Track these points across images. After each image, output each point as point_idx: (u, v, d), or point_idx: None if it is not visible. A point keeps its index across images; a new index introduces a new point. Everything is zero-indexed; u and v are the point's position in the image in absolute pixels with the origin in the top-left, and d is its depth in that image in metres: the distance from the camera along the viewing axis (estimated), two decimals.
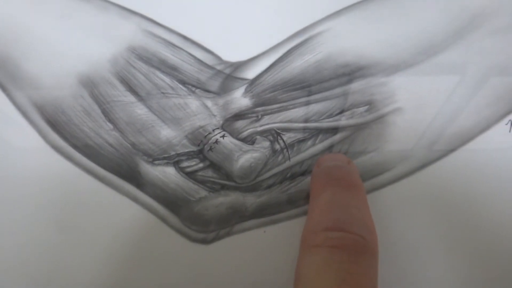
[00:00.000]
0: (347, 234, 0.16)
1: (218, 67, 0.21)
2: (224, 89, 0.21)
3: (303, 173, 0.21)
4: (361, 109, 0.21)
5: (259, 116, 0.21)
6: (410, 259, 0.21)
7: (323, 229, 0.17)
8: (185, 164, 0.21)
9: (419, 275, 0.22)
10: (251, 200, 0.21)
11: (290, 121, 0.21)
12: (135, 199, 0.21)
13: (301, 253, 0.17)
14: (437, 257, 0.21)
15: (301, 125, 0.21)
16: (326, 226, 0.17)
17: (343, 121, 0.21)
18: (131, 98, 0.21)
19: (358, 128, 0.21)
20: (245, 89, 0.21)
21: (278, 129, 0.21)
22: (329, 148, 0.21)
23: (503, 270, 0.21)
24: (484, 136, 0.21)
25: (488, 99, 0.20)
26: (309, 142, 0.21)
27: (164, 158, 0.21)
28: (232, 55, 0.21)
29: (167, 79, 0.21)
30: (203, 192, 0.21)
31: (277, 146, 0.21)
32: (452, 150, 0.21)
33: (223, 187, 0.21)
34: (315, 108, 0.21)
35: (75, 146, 0.21)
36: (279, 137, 0.21)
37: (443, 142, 0.21)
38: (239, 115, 0.21)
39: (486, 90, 0.20)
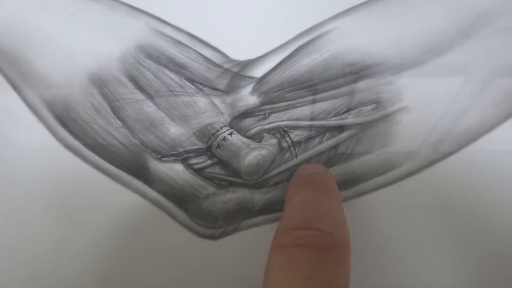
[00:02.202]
0: (315, 232, 0.16)
1: (226, 66, 0.21)
2: (232, 87, 0.21)
3: None
4: (368, 107, 0.21)
5: (267, 114, 0.21)
6: (414, 258, 0.22)
7: (292, 228, 0.17)
8: (193, 161, 0.22)
9: (423, 272, 0.22)
10: (258, 196, 0.22)
11: (297, 119, 0.21)
12: (144, 195, 0.22)
13: (270, 253, 0.17)
14: (441, 256, 0.22)
15: (308, 123, 0.21)
16: (295, 225, 0.17)
17: (349, 119, 0.21)
18: (139, 96, 0.21)
19: (365, 126, 0.21)
20: (253, 87, 0.21)
21: (286, 127, 0.21)
22: (336, 146, 0.21)
23: (507, 270, 0.22)
24: (489, 136, 0.21)
25: (494, 98, 0.21)
26: (316, 140, 0.21)
27: (173, 155, 0.21)
28: (240, 54, 0.21)
29: (175, 77, 0.21)
30: (211, 189, 0.22)
31: (284, 144, 0.21)
32: (457, 149, 0.21)
33: (231, 183, 0.22)
34: (322, 106, 0.21)
35: (84, 144, 0.21)
36: (286, 135, 0.21)
37: (449, 142, 0.21)
38: (247, 113, 0.21)
39: (492, 89, 0.21)
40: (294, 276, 0.15)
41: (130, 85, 0.21)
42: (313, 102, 0.21)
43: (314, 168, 0.20)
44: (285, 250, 0.16)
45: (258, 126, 0.21)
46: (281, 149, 0.21)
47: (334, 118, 0.21)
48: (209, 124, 0.21)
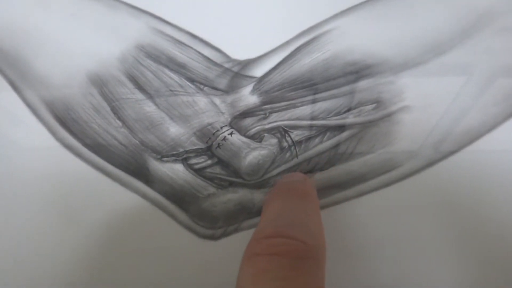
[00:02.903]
0: (287, 240, 0.16)
1: (226, 65, 0.21)
2: (232, 87, 0.21)
3: (311, 171, 0.22)
4: (369, 107, 0.21)
5: (267, 114, 0.21)
6: (415, 257, 0.22)
7: (265, 237, 0.16)
8: (193, 161, 0.22)
9: (423, 272, 0.22)
10: (259, 196, 0.22)
11: (297, 118, 0.21)
12: (144, 196, 0.22)
13: (242, 263, 0.16)
14: (442, 255, 0.22)
15: (309, 122, 0.21)
16: (268, 233, 0.16)
17: (350, 119, 0.21)
18: (139, 95, 0.21)
19: (366, 126, 0.21)
20: (253, 87, 0.21)
21: (286, 126, 0.21)
22: (336, 146, 0.21)
23: (508, 270, 0.22)
24: (490, 135, 0.21)
25: (495, 98, 0.21)
26: (317, 140, 0.21)
27: (173, 155, 0.21)
28: (240, 53, 0.21)
29: (175, 77, 0.21)
30: (211, 189, 0.22)
31: (285, 144, 0.21)
32: (459, 149, 0.21)
33: (231, 184, 0.22)
34: (322, 106, 0.21)
35: (84, 144, 0.21)
36: (286, 135, 0.21)
37: (449, 141, 0.21)
38: (247, 113, 0.21)
39: (493, 89, 0.20)
40: (265, 286, 0.15)
41: (130, 85, 0.21)
42: (314, 101, 0.21)
43: (294, 177, 0.21)
44: (256, 259, 0.16)
45: (258, 125, 0.21)
46: (282, 149, 0.21)
47: (335, 117, 0.21)
48: (209, 124, 0.21)
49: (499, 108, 0.21)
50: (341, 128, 0.21)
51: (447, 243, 0.22)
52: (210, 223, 0.22)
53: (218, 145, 0.21)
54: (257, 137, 0.21)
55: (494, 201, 0.21)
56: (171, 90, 0.21)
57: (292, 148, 0.21)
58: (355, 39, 0.20)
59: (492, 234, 0.21)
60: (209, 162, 0.21)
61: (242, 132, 0.21)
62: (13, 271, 0.22)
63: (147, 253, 0.22)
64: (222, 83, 0.21)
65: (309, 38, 0.21)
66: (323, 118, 0.21)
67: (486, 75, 0.20)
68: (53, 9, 0.20)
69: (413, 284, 0.22)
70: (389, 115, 0.21)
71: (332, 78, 0.21)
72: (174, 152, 0.21)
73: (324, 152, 0.21)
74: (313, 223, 0.17)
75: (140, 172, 0.21)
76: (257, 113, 0.21)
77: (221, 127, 0.21)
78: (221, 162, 0.21)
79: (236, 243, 0.22)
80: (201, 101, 0.21)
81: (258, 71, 0.21)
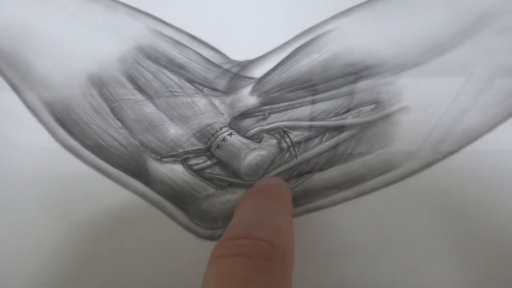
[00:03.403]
0: (253, 241, 0.16)
1: (226, 66, 0.21)
2: (232, 87, 0.21)
3: (310, 171, 0.22)
4: (368, 107, 0.21)
5: (266, 115, 0.21)
6: (414, 257, 0.22)
7: (231, 238, 0.16)
8: (192, 161, 0.22)
9: (423, 272, 0.22)
10: None
11: (297, 119, 0.21)
12: (143, 196, 0.22)
13: (207, 264, 0.16)
14: (442, 256, 0.22)
15: (308, 123, 0.21)
16: (234, 235, 0.16)
17: (349, 119, 0.21)
18: (139, 96, 0.21)
19: (365, 126, 0.21)
20: (252, 88, 0.21)
21: (285, 127, 0.21)
22: (335, 147, 0.21)
23: (507, 270, 0.22)
24: (489, 136, 0.21)
25: (495, 98, 0.21)
26: (316, 140, 0.21)
27: (172, 156, 0.21)
28: (239, 54, 0.21)
29: (175, 78, 0.21)
30: (210, 190, 0.22)
31: (284, 144, 0.21)
32: (458, 149, 0.21)
33: (231, 184, 0.22)
34: (321, 106, 0.21)
35: (84, 144, 0.21)
36: (286, 135, 0.21)
37: (449, 142, 0.21)
38: (246, 114, 0.21)
39: (493, 89, 0.20)
40: (228, 287, 0.15)
41: (129, 85, 0.21)
42: (313, 102, 0.21)
43: (270, 180, 0.21)
44: (221, 260, 0.16)
45: (257, 126, 0.21)
46: (281, 149, 0.21)
47: (334, 118, 0.21)
48: (209, 125, 0.21)
49: (499, 108, 0.21)
50: (340, 128, 0.21)
51: (446, 243, 0.22)
52: (210, 223, 0.22)
53: (218, 146, 0.21)
54: (256, 138, 0.21)
55: (493, 201, 0.21)
56: (170, 91, 0.21)
57: (291, 148, 0.21)
58: (354, 40, 0.20)
59: (491, 234, 0.21)
60: (209, 162, 0.22)
61: (242, 133, 0.21)
62: (12, 271, 0.22)
63: (146, 253, 0.22)
64: (222, 84, 0.21)
65: (308, 39, 0.21)
66: (322, 119, 0.21)
67: (485, 75, 0.20)
68: (53, 10, 0.20)
69: (413, 284, 0.22)
70: (387, 115, 0.21)
71: (331, 79, 0.21)
72: (174, 153, 0.21)
73: (323, 152, 0.21)
74: (282, 224, 0.17)
75: (139, 172, 0.22)
76: (256, 114, 0.21)
77: (221, 128, 0.21)
78: (220, 163, 0.21)
79: None
80: (201, 102, 0.21)
81: (258, 72, 0.21)
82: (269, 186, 0.20)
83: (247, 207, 0.18)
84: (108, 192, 0.21)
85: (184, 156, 0.21)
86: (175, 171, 0.21)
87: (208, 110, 0.21)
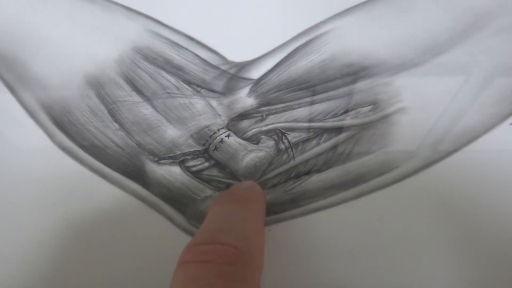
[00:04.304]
0: (217, 246, 0.16)
1: (223, 67, 0.21)
2: (229, 89, 0.21)
3: (308, 173, 0.21)
4: (366, 108, 0.21)
5: (264, 116, 0.21)
6: (412, 258, 0.22)
7: (197, 243, 0.16)
8: (190, 163, 0.21)
9: (422, 273, 0.22)
10: None
11: (294, 120, 0.21)
12: (141, 198, 0.22)
13: (174, 271, 0.16)
14: (441, 256, 0.22)
15: (306, 124, 0.21)
16: (200, 240, 0.16)
17: (347, 120, 0.21)
18: (137, 98, 0.21)
19: (363, 127, 0.21)
20: (250, 89, 0.21)
21: (283, 128, 0.21)
22: (334, 148, 0.21)
23: (506, 270, 0.21)
24: (488, 136, 0.21)
25: (493, 98, 0.20)
26: (314, 142, 0.21)
27: (170, 158, 0.21)
28: (237, 55, 0.21)
29: (172, 79, 0.21)
30: (208, 191, 0.21)
31: (282, 146, 0.21)
32: (456, 150, 0.21)
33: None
34: (319, 107, 0.21)
35: (81, 146, 0.21)
36: (283, 137, 0.21)
37: (447, 142, 0.21)
38: (244, 115, 0.21)
39: (491, 89, 0.20)
40: None
41: (127, 87, 0.21)
42: (311, 103, 0.21)
43: (241, 184, 0.20)
44: (187, 266, 0.16)
45: (255, 128, 0.21)
46: (279, 151, 0.21)
47: (332, 119, 0.21)
48: (206, 126, 0.21)
49: (497, 108, 0.21)
50: (338, 130, 0.21)
51: (445, 242, 0.21)
52: None
53: (215, 148, 0.21)
54: (254, 139, 0.21)
55: (493, 200, 0.21)
56: (168, 93, 0.21)
57: (289, 150, 0.21)
58: (352, 40, 0.20)
59: (490, 233, 0.21)
60: (206, 164, 0.21)
61: (239, 134, 0.21)
62: (9, 271, 0.22)
63: (144, 255, 0.22)
64: (219, 85, 0.21)
65: (306, 40, 0.21)
66: (320, 120, 0.21)
67: (484, 76, 0.20)
68: (50, 12, 0.20)
69: (412, 284, 0.22)
70: (386, 116, 0.21)
71: (330, 80, 0.21)
72: (171, 155, 0.21)
73: (321, 154, 0.21)
74: (249, 228, 0.17)
75: (137, 174, 0.21)
76: (254, 115, 0.21)
77: (218, 129, 0.21)
78: (218, 165, 0.21)
79: None
80: (198, 103, 0.21)
81: (255, 73, 0.21)
82: (239, 190, 0.20)
83: (215, 211, 0.18)
84: (106, 194, 0.21)
85: (182, 158, 0.21)
86: (172, 173, 0.21)
87: (206, 112, 0.21)
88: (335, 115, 0.21)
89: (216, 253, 0.15)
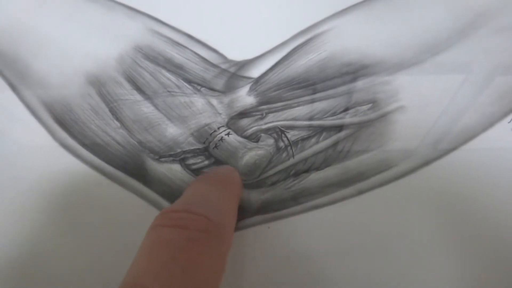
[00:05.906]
0: (191, 214, 0.16)
1: (223, 66, 0.21)
2: (229, 87, 0.21)
3: (307, 170, 0.22)
4: (365, 107, 0.21)
5: (264, 114, 0.21)
6: (411, 256, 0.22)
7: (171, 211, 0.17)
8: (190, 161, 0.22)
9: (420, 271, 0.22)
10: (255, 196, 0.22)
11: (294, 119, 0.21)
12: (142, 196, 0.22)
13: (146, 233, 0.16)
14: (438, 254, 0.22)
15: (305, 123, 0.21)
16: (175, 208, 0.17)
17: (347, 119, 0.21)
18: (137, 96, 0.21)
19: (362, 126, 0.21)
20: (250, 88, 0.21)
21: (283, 127, 0.21)
22: (333, 146, 0.21)
23: (506, 269, 0.22)
24: (487, 134, 0.21)
25: (492, 97, 0.21)
26: (313, 140, 0.21)
27: (170, 156, 0.21)
28: (237, 54, 0.21)
29: (173, 78, 0.21)
30: None
31: (281, 144, 0.21)
32: (455, 148, 0.21)
33: None
34: (319, 106, 0.21)
35: (83, 144, 0.21)
36: (283, 135, 0.21)
37: (447, 141, 0.21)
38: (244, 113, 0.21)
39: (490, 88, 0.20)
40: (159, 255, 0.15)
41: (128, 86, 0.21)
42: (310, 102, 0.21)
43: (219, 168, 0.21)
44: (158, 229, 0.16)
45: (255, 126, 0.21)
46: (278, 149, 0.21)
47: (331, 117, 0.21)
48: (207, 125, 0.21)
49: (496, 106, 0.21)
50: (337, 128, 0.21)
51: (443, 241, 0.22)
52: None
53: (215, 146, 0.21)
54: (254, 138, 0.21)
55: (492, 199, 0.21)
56: (168, 91, 0.21)
57: (289, 148, 0.21)
58: (351, 39, 0.20)
59: (489, 232, 0.21)
60: (207, 162, 0.22)
61: (239, 132, 0.21)
62: (10, 270, 0.22)
63: None
64: (219, 84, 0.21)
65: (306, 38, 0.21)
66: (320, 119, 0.21)
67: (483, 74, 0.20)
68: (51, 11, 0.20)
69: (410, 283, 0.22)
70: (385, 115, 0.21)
71: (329, 79, 0.21)
72: (172, 153, 0.21)
73: (320, 152, 0.21)
74: (223, 206, 0.18)
75: (138, 172, 0.22)
76: (254, 113, 0.21)
77: (218, 128, 0.21)
78: (218, 162, 0.21)
79: (233, 242, 0.22)
80: (198, 101, 0.21)
81: (255, 72, 0.21)
82: (217, 172, 0.20)
83: (192, 188, 0.19)
84: (107, 192, 0.22)
85: (182, 156, 0.22)
86: (173, 171, 0.22)
87: (206, 110, 0.21)
88: (334, 114, 0.21)
89: (189, 220, 0.16)
